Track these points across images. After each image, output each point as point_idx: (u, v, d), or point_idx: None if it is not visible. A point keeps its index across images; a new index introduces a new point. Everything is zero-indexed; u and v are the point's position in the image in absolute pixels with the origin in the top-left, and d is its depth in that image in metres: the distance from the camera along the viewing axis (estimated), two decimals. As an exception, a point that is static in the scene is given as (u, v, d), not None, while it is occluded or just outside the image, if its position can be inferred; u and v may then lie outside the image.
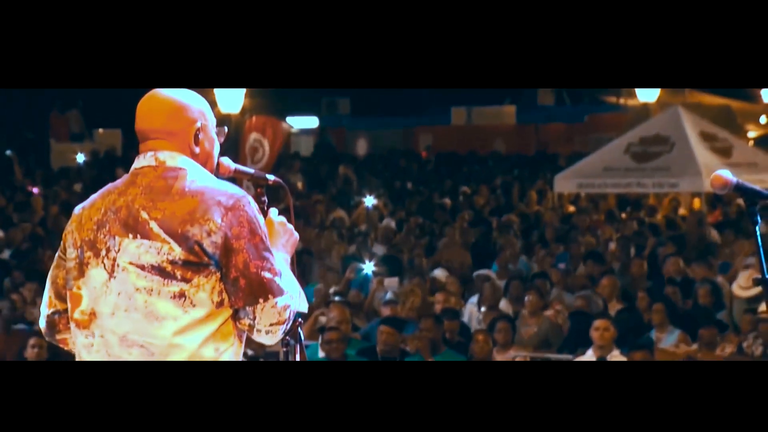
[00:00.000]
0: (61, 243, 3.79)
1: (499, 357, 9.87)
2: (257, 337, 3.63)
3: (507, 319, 10.46)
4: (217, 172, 3.85)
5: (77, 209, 3.78)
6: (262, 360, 9.08)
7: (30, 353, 9.57)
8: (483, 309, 11.63)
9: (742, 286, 11.03)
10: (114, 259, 3.60)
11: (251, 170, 4.07)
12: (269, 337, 3.62)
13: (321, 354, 9.65)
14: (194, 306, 3.54)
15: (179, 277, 3.54)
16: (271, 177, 4.05)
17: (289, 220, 3.92)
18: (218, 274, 3.56)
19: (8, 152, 22.03)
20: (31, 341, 9.61)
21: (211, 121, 3.79)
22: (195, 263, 3.53)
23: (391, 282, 12.19)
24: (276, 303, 3.56)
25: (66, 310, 3.75)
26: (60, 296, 3.77)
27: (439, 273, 12.94)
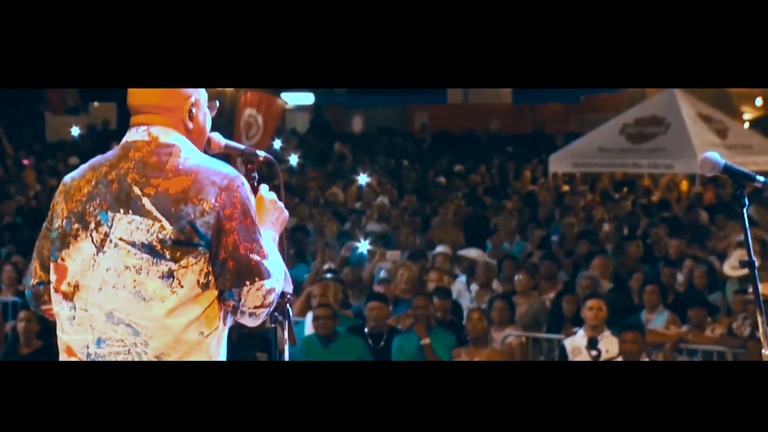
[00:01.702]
0: (49, 213, 3.76)
1: (494, 335, 9.90)
2: (240, 319, 3.63)
3: (504, 298, 10.50)
4: (208, 147, 3.83)
5: (66, 179, 3.75)
6: (262, 360, 9.09)
7: (21, 326, 9.59)
8: (475, 287, 11.65)
9: (734, 266, 11.05)
10: (106, 234, 3.57)
11: (242, 146, 4.05)
12: (252, 320, 3.62)
13: (309, 330, 9.67)
14: (182, 287, 3.53)
15: (168, 256, 3.52)
16: (261, 153, 4.04)
17: (279, 198, 3.91)
18: (207, 255, 3.54)
19: None
20: (22, 314, 9.62)
21: (204, 96, 3.79)
22: (185, 243, 3.52)
23: (393, 255, 12.21)
24: (262, 285, 3.55)
25: (50, 282, 3.73)
26: (45, 267, 3.75)
27: (440, 249, 12.88)
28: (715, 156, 3.82)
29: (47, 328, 9.18)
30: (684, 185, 19.33)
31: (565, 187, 19.67)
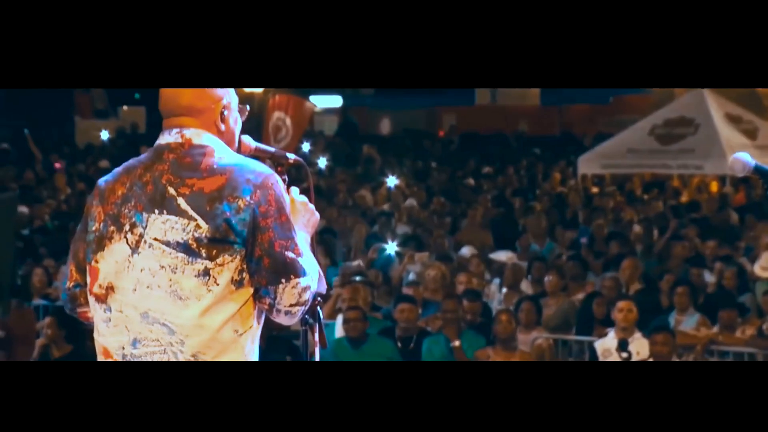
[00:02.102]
0: (83, 216, 3.78)
1: (522, 337, 9.88)
2: (276, 318, 3.63)
3: (532, 300, 10.48)
4: (238, 150, 3.85)
5: (100, 182, 3.77)
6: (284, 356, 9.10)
7: (46, 333, 9.64)
8: (504, 290, 11.64)
9: (764, 267, 10.99)
10: (140, 235, 3.59)
11: (272, 149, 4.06)
12: (288, 318, 3.62)
13: (340, 333, 9.68)
14: (218, 285, 3.54)
15: (204, 254, 3.53)
16: (291, 156, 4.05)
17: (309, 200, 3.92)
18: (242, 253, 3.55)
19: (25, 131, 22.12)
20: (47, 321, 9.67)
21: (235, 99, 3.80)
22: (221, 241, 3.53)
23: (422, 257, 12.20)
24: (298, 283, 3.56)
25: (86, 284, 3.75)
26: (81, 270, 3.77)
27: (466, 251, 12.87)
28: (746, 156, 3.79)
29: (76, 332, 9.24)
30: (714, 186, 19.23)
31: (595, 189, 19.61)
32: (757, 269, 11.26)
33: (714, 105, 17.86)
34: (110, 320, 3.66)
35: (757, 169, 3.79)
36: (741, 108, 18.65)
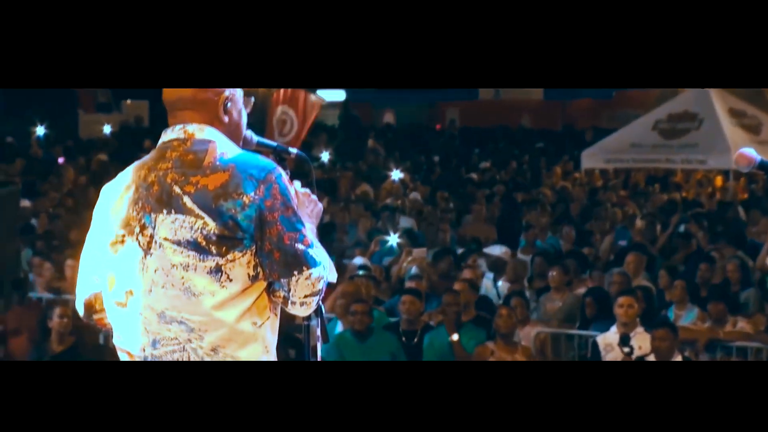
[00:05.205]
0: (92, 222, 3.76)
1: (523, 332, 9.88)
2: (291, 309, 3.62)
3: (520, 295, 10.46)
4: (241, 144, 3.84)
5: (106, 187, 3.75)
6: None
7: (56, 322, 9.60)
8: (500, 284, 11.63)
9: None
10: (151, 236, 3.58)
11: (274, 143, 4.06)
12: (304, 309, 3.62)
13: (341, 327, 9.69)
14: (231, 281, 3.53)
15: (214, 251, 3.52)
16: (293, 150, 4.04)
17: (312, 194, 3.92)
18: (253, 248, 3.54)
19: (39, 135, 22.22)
20: (58, 311, 9.62)
21: (240, 92, 3.79)
22: (229, 238, 3.52)
23: (420, 252, 12.20)
24: (311, 274, 3.55)
25: (101, 291, 3.74)
26: (94, 277, 3.75)
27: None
28: (752, 152, 3.78)
29: (80, 327, 9.23)
30: (718, 181, 19.22)
31: (599, 182, 19.60)
32: (768, 261, 11.24)
33: (718, 100, 17.84)
34: (129, 324, 3.65)
35: (762, 165, 3.77)
36: (745, 103, 18.63)
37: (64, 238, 13.07)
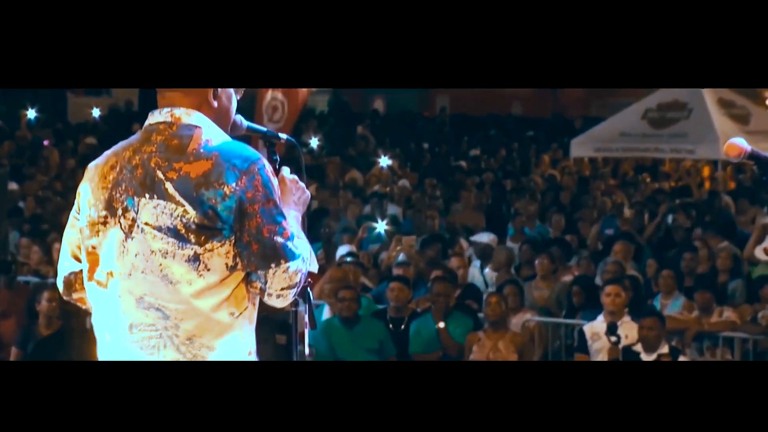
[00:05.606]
0: (75, 201, 3.75)
1: (511, 320, 9.88)
2: (268, 301, 3.60)
3: (514, 283, 10.46)
4: (230, 129, 3.82)
5: (91, 166, 3.73)
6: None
7: (44, 306, 9.57)
8: (488, 272, 11.63)
9: (766, 248, 10.98)
10: (133, 219, 3.56)
11: (263, 129, 4.04)
12: (280, 301, 3.59)
13: (328, 314, 9.68)
14: (208, 270, 3.52)
15: (193, 240, 3.50)
16: (283, 136, 4.02)
17: (300, 179, 3.90)
18: (232, 239, 3.52)
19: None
20: (46, 294, 9.59)
21: (231, 76, 3.78)
22: (209, 227, 3.50)
23: (409, 240, 12.20)
24: (288, 267, 3.53)
25: (81, 270, 3.73)
26: (75, 256, 3.76)
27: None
28: (742, 141, 3.76)
29: (67, 311, 9.20)
30: (705, 171, 19.25)
31: (587, 171, 19.63)
32: (759, 251, 11.24)
33: (707, 90, 17.85)
34: (108, 306, 3.64)
35: (752, 155, 3.76)
36: (734, 93, 18.65)
37: (52, 222, 13.05)
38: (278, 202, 3.59)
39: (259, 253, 3.52)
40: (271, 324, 9.13)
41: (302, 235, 3.66)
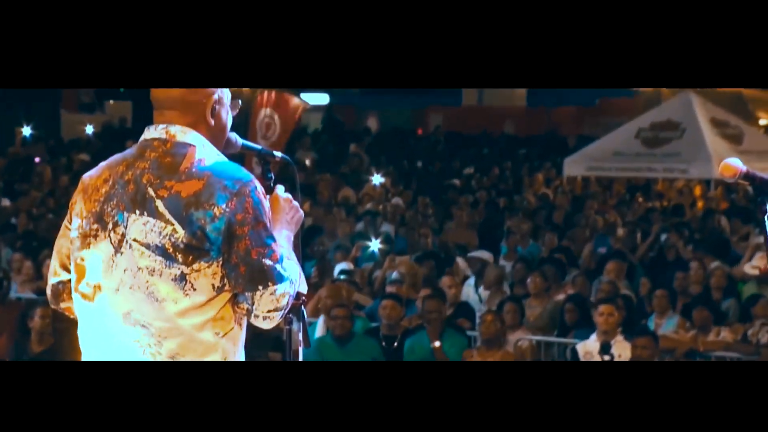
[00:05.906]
0: (68, 212, 3.75)
1: (510, 337, 9.86)
2: (255, 322, 3.59)
3: (515, 301, 10.45)
4: (225, 147, 3.81)
5: (84, 177, 3.73)
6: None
7: (36, 322, 9.54)
8: (482, 290, 11.61)
9: (755, 266, 10.98)
10: (123, 235, 3.55)
11: (258, 146, 4.03)
12: (267, 323, 3.58)
13: (321, 332, 9.66)
14: (195, 290, 3.51)
15: (180, 260, 3.49)
16: (278, 154, 4.01)
17: (295, 198, 3.89)
18: (220, 260, 3.51)
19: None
20: (39, 311, 9.56)
21: (228, 95, 3.76)
22: (196, 248, 3.49)
23: (402, 260, 12.19)
24: (275, 290, 3.51)
25: (70, 280, 3.73)
26: (65, 266, 3.75)
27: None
28: (737, 162, 3.75)
29: (60, 329, 9.16)
30: (698, 190, 19.27)
31: (578, 190, 19.64)
32: (747, 267, 11.25)
33: (700, 109, 17.92)
34: (93, 318, 3.63)
35: (747, 175, 3.75)
36: (727, 113, 18.72)
37: (45, 239, 13.01)
38: (268, 224, 3.58)
39: (247, 275, 3.51)
40: (265, 342, 9.15)
41: (293, 256, 3.66)
